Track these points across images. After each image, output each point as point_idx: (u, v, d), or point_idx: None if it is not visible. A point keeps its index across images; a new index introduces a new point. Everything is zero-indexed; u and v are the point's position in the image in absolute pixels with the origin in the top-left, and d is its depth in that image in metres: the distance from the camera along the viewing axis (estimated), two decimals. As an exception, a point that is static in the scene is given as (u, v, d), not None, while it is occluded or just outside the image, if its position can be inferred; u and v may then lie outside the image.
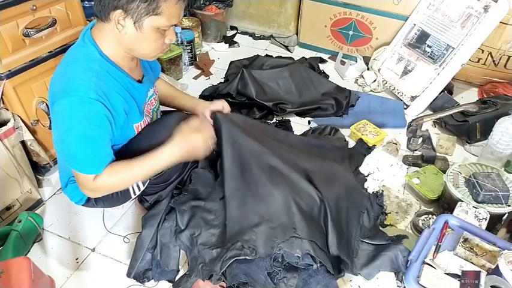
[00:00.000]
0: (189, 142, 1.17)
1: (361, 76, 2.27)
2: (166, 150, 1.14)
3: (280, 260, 1.20)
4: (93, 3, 1.05)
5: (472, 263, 1.11)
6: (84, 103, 1.00)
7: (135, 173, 1.13)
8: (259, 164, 1.35)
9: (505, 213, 1.30)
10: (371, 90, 2.21)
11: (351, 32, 2.41)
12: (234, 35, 2.76)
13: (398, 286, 1.23)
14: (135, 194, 1.30)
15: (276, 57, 2.40)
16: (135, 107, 1.18)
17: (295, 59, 2.38)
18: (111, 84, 1.07)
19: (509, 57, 2.05)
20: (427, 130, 1.75)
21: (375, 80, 2.21)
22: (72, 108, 1.00)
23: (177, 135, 1.16)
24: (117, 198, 1.28)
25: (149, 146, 1.15)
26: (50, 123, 1.51)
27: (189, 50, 2.34)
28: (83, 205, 1.33)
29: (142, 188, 1.30)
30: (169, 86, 1.51)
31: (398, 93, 2.13)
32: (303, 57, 2.46)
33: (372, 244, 1.33)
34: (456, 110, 1.77)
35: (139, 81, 1.21)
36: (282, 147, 1.48)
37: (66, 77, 1.03)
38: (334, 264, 1.23)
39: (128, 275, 1.25)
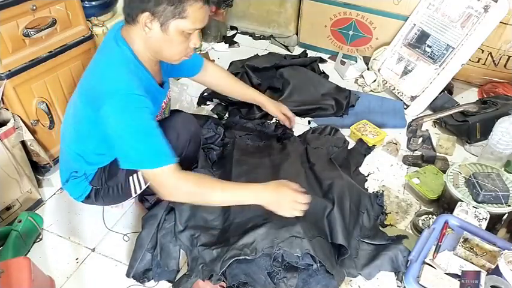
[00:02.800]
0: (280, 194, 1.14)
1: (361, 76, 2.27)
2: (258, 189, 1.14)
3: (280, 260, 1.20)
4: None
5: (472, 263, 1.11)
6: (133, 98, 1.02)
7: (219, 194, 1.11)
8: (264, 167, 1.39)
9: (505, 213, 1.30)
10: (371, 90, 2.21)
11: (351, 32, 2.41)
12: (234, 35, 2.76)
13: (398, 286, 1.23)
14: (135, 193, 1.30)
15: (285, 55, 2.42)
16: (156, 110, 1.21)
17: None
18: (145, 86, 1.10)
19: (509, 57, 2.05)
20: (427, 130, 1.75)
21: (375, 80, 2.21)
22: (124, 105, 1.02)
23: (273, 183, 1.16)
24: (117, 195, 1.29)
25: None
26: (50, 123, 1.51)
27: (189, 50, 2.34)
28: (82, 201, 1.33)
29: (144, 187, 1.30)
30: (229, 75, 1.57)
31: (398, 93, 2.13)
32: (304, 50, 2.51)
33: (372, 244, 1.33)
34: (456, 110, 1.77)
35: (161, 86, 1.24)
36: (286, 158, 1.56)
37: (109, 79, 1.05)
38: (333, 263, 1.23)
39: (127, 274, 1.25)
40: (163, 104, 1.31)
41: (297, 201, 1.13)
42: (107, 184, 1.27)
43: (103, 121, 1.04)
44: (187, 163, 1.29)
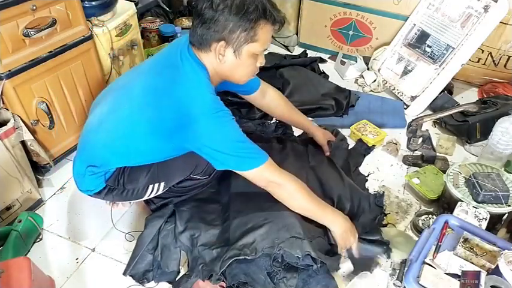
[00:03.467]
0: (348, 226, 1.26)
1: (361, 76, 2.27)
2: (337, 214, 1.27)
3: (279, 260, 1.20)
4: (190, 32, 1.13)
5: (472, 263, 1.11)
6: (226, 113, 1.11)
7: (311, 205, 1.24)
8: None
9: (505, 213, 1.30)
10: (371, 90, 2.21)
11: (351, 32, 2.40)
12: (234, 35, 2.76)
13: (398, 286, 1.23)
14: (148, 197, 1.31)
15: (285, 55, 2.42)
16: None
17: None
18: None
19: (509, 57, 2.05)
20: (427, 130, 1.75)
21: (375, 80, 2.21)
22: (220, 121, 1.10)
23: (341, 215, 1.28)
24: (130, 197, 1.29)
25: (187, 159, 1.23)
26: (50, 123, 1.51)
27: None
28: (89, 195, 1.29)
29: (160, 192, 1.30)
30: (287, 102, 1.62)
31: (398, 93, 2.13)
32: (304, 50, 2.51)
33: (365, 239, 1.33)
34: (456, 110, 1.77)
35: None
36: (286, 158, 1.58)
37: (200, 98, 1.10)
38: (333, 264, 1.23)
39: (124, 273, 1.25)
40: None
41: (352, 238, 1.26)
42: (124, 186, 1.25)
43: (196, 136, 1.10)
44: (209, 183, 1.38)
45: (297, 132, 1.85)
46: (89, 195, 1.30)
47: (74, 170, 1.29)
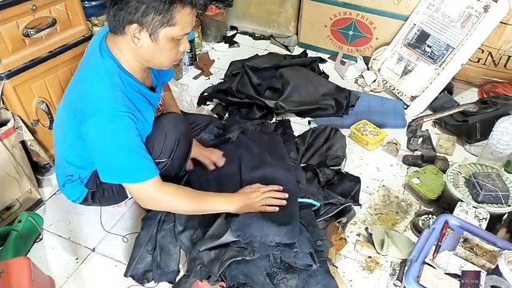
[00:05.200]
0: (246, 196, 1.27)
1: (361, 76, 2.27)
2: (227, 197, 1.26)
3: (279, 261, 1.20)
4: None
5: (472, 263, 1.11)
6: (118, 118, 1.03)
7: (193, 204, 1.20)
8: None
9: (505, 213, 1.30)
10: (371, 90, 2.21)
11: (351, 32, 2.40)
12: (234, 35, 2.76)
13: (398, 286, 1.23)
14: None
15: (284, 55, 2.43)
16: (152, 115, 1.20)
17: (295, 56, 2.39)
18: (132, 96, 1.10)
19: (509, 57, 2.05)
20: (427, 130, 1.75)
21: (375, 80, 2.21)
22: (109, 124, 1.03)
23: (240, 191, 1.30)
24: (113, 197, 1.30)
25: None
26: (50, 123, 1.51)
27: (189, 50, 2.34)
28: (80, 203, 1.33)
29: None
30: (172, 98, 1.53)
31: (398, 93, 2.13)
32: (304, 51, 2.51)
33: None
34: (456, 110, 1.77)
35: (152, 90, 1.24)
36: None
37: (93, 95, 1.05)
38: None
39: (125, 274, 1.25)
40: (159, 106, 1.30)
41: (263, 194, 1.26)
42: (102, 187, 1.27)
43: (86, 136, 1.06)
44: (177, 165, 1.27)
45: (297, 132, 1.86)
46: (80, 203, 1.33)
47: (58, 184, 1.35)
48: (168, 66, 1.15)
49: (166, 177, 1.18)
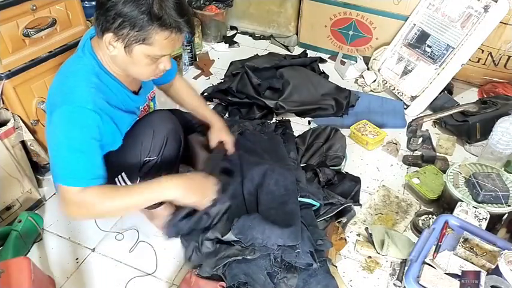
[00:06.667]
0: (191, 179, 1.12)
1: (361, 76, 2.27)
2: (166, 183, 1.07)
3: (279, 260, 1.20)
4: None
5: (472, 263, 1.11)
6: (81, 112, 0.99)
7: (125, 201, 1.04)
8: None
9: (505, 213, 1.30)
10: (371, 90, 2.21)
11: (351, 32, 2.41)
12: (234, 35, 2.76)
13: (398, 286, 1.23)
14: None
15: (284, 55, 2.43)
16: (129, 118, 1.18)
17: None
18: (110, 97, 1.08)
19: (509, 57, 2.05)
20: (427, 130, 1.75)
21: (375, 80, 2.21)
22: (69, 116, 0.99)
23: (188, 175, 1.14)
24: None
25: (130, 141, 1.16)
26: (50, 123, 1.51)
27: (189, 50, 2.34)
28: None
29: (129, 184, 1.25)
30: (190, 90, 1.49)
31: (398, 93, 2.13)
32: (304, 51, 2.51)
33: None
34: (456, 110, 1.77)
35: (136, 93, 1.21)
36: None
37: (65, 88, 1.03)
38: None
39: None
40: (142, 109, 1.28)
41: (208, 185, 1.14)
42: None
43: (50, 125, 1.04)
44: (168, 163, 1.24)
45: (297, 132, 1.86)
46: None
47: (55, 185, 1.30)
48: (146, 79, 1.13)
49: (158, 176, 1.11)
